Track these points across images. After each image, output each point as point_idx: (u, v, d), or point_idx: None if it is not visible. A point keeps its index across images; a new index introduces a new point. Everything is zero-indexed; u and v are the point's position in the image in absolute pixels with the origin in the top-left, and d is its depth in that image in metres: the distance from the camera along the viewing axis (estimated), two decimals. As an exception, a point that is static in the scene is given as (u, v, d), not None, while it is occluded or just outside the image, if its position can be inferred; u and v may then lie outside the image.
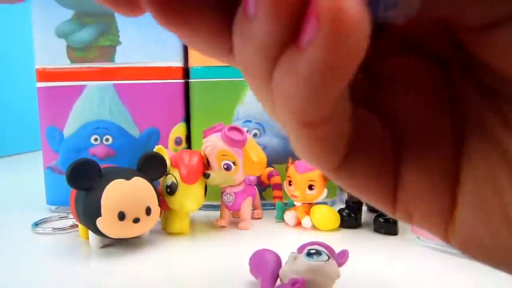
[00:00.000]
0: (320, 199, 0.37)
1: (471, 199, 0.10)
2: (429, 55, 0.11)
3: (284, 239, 0.36)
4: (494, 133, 0.10)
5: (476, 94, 0.11)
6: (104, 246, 0.33)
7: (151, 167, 0.34)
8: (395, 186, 0.11)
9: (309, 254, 0.24)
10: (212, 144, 0.36)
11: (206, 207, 0.40)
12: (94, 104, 0.42)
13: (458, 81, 0.11)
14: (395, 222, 0.36)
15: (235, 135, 0.36)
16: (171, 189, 0.35)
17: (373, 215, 0.38)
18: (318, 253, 0.24)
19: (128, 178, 0.31)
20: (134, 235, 0.32)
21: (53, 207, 0.44)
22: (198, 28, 0.10)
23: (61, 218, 0.41)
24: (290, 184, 0.38)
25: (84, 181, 0.30)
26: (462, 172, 0.11)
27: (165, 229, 0.37)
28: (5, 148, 0.84)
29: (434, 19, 0.09)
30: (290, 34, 0.08)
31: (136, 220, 0.31)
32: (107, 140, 0.42)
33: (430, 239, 0.33)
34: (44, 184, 0.43)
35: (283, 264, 0.25)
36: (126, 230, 0.31)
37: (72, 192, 0.33)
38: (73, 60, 0.42)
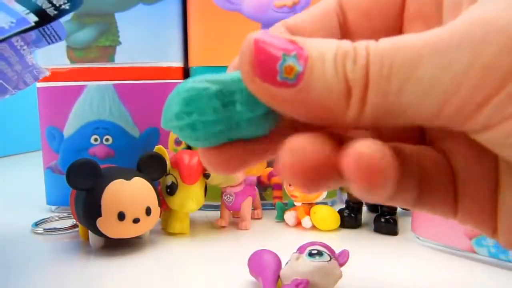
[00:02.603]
0: (320, 199, 0.37)
1: (507, 212, 0.13)
2: None
3: (284, 239, 0.36)
4: None
5: None
6: (104, 246, 0.33)
7: (151, 167, 0.34)
8: (455, 211, 0.14)
9: (310, 255, 0.24)
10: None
11: (206, 207, 0.40)
12: (94, 104, 0.42)
13: None
14: (395, 222, 0.36)
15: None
16: (171, 189, 0.35)
17: (373, 215, 0.38)
18: (320, 253, 0.24)
19: (128, 178, 0.31)
20: (134, 235, 0.32)
21: (53, 207, 0.44)
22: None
23: (61, 218, 0.41)
24: (290, 185, 0.38)
25: (84, 181, 0.30)
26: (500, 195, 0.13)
27: (165, 229, 0.37)
28: (5, 148, 0.84)
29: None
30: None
31: (136, 220, 0.31)
32: (107, 140, 0.42)
33: (430, 239, 0.33)
34: (44, 184, 0.43)
35: (283, 264, 0.25)
36: (126, 230, 0.31)
37: (72, 192, 0.33)
38: (73, 60, 0.42)
